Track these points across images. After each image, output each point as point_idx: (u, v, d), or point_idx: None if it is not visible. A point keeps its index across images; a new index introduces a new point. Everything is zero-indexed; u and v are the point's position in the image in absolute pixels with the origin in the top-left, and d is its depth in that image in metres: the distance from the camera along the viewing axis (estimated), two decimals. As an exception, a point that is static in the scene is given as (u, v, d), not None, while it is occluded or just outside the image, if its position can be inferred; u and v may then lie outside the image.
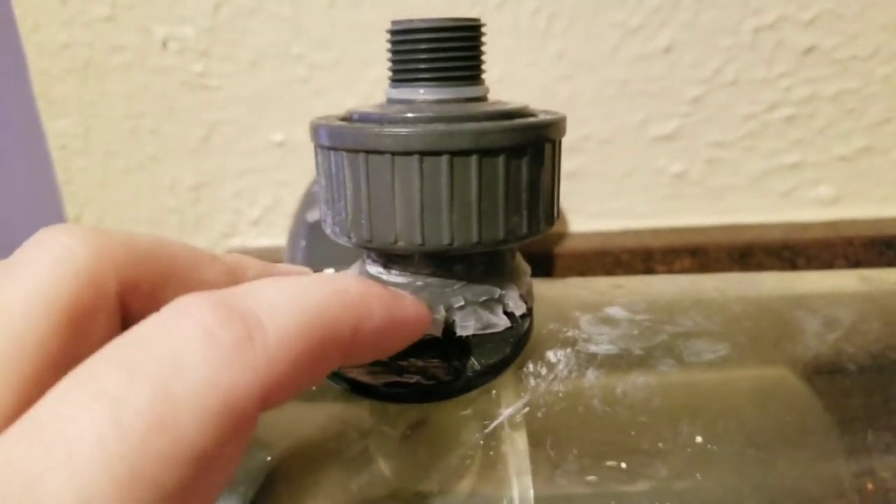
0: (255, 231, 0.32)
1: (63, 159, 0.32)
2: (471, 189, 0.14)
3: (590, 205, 0.30)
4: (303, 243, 0.24)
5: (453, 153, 0.14)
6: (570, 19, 0.28)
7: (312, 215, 0.24)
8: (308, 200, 0.25)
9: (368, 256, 0.17)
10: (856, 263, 0.27)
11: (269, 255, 0.32)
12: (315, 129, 0.16)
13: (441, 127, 0.14)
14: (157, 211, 0.32)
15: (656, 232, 0.29)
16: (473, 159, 0.14)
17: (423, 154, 0.14)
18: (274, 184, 0.31)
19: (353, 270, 0.18)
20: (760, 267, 0.28)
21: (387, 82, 0.16)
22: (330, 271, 0.25)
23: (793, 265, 0.28)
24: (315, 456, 0.15)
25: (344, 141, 0.15)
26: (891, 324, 0.17)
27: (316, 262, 0.24)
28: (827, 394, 0.17)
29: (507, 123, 0.14)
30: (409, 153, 0.14)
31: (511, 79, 0.28)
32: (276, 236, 0.32)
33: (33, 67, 0.31)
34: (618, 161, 0.29)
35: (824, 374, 0.17)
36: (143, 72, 0.30)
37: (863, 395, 0.17)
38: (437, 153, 0.14)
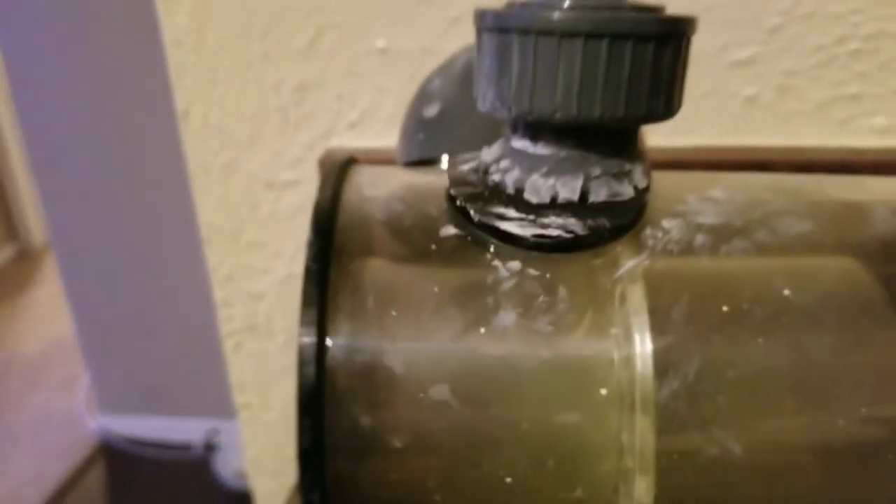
0: (352, 133, 0.35)
1: (176, 55, 0.35)
2: (624, 70, 0.17)
3: (668, 122, 0.33)
4: (420, 136, 0.27)
5: (613, 37, 0.17)
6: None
7: (429, 112, 0.27)
8: (423, 99, 0.28)
9: (515, 133, 0.20)
10: (905, 186, 0.30)
11: (364, 155, 0.35)
12: (482, 14, 0.18)
13: (605, 14, 0.17)
14: (261, 109, 0.35)
15: (727, 149, 0.32)
16: (629, 44, 0.17)
17: (588, 36, 0.17)
18: (373, 89, 0.34)
19: (496, 147, 0.21)
20: (818, 185, 0.31)
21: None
22: (445, 158, 0.28)
23: (848, 186, 0.31)
24: (475, 292, 0.18)
25: (517, 23, 0.17)
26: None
27: (432, 152, 0.27)
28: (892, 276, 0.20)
29: (658, 15, 0.17)
30: (575, 35, 0.17)
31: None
32: (372, 139, 0.35)
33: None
34: (697, 83, 0.31)
35: (892, 256, 0.20)
36: (260, -25, 0.33)
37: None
38: (600, 36, 0.17)
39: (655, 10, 0.18)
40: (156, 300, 1.62)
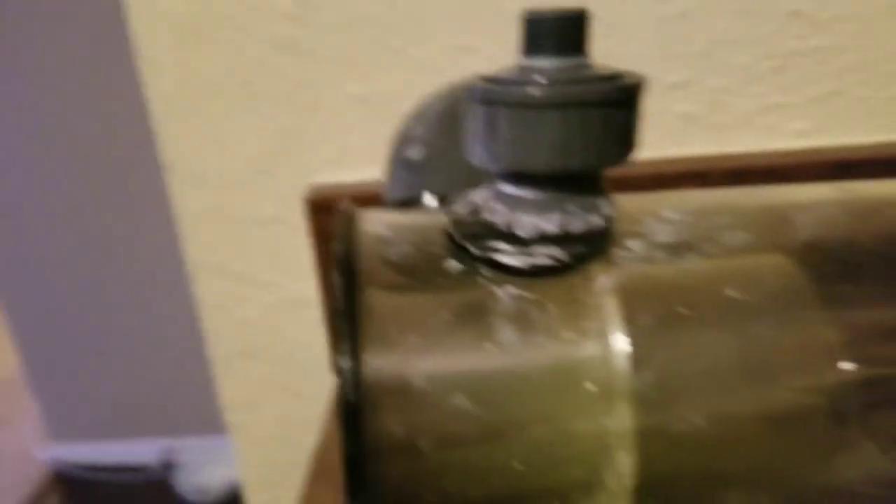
0: (331, 168, 0.39)
1: (161, 111, 0.38)
2: (591, 131, 0.22)
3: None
4: (407, 176, 0.31)
5: (582, 105, 0.22)
6: (603, -13, 0.35)
7: (413, 154, 0.31)
8: (406, 142, 0.32)
9: (502, 180, 0.24)
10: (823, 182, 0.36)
11: (344, 189, 0.39)
12: (472, 90, 0.23)
13: (575, 88, 0.21)
14: (245, 154, 0.39)
15: (670, 161, 0.37)
16: (595, 110, 0.22)
17: (562, 107, 0.22)
18: (349, 129, 0.38)
19: (485, 191, 0.25)
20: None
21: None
22: (429, 197, 0.33)
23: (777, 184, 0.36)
24: (482, 315, 0.23)
25: (503, 98, 0.22)
26: (859, 216, 0.26)
27: (418, 190, 0.31)
28: (815, 269, 0.25)
29: (616, 83, 0.22)
30: (551, 107, 0.22)
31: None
32: (349, 174, 0.39)
33: (138, 31, 0.36)
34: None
35: (814, 252, 0.26)
36: (240, 35, 0.36)
37: (842, 273, 0.26)
38: (571, 106, 0.22)
39: (615, 78, 0.23)
40: (100, 325, 1.61)
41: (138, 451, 1.72)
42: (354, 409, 0.22)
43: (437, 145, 0.32)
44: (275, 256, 0.41)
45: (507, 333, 0.23)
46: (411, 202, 0.31)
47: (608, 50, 0.35)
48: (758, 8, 0.35)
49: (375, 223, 0.26)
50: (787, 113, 0.37)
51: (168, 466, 1.71)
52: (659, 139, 0.37)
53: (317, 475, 0.34)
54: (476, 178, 0.32)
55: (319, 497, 0.33)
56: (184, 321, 1.61)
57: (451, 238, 0.25)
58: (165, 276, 1.54)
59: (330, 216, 0.37)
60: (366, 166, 0.39)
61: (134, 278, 1.51)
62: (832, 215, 0.26)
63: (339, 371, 0.22)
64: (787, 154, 0.37)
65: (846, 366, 0.24)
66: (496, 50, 0.36)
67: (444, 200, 0.31)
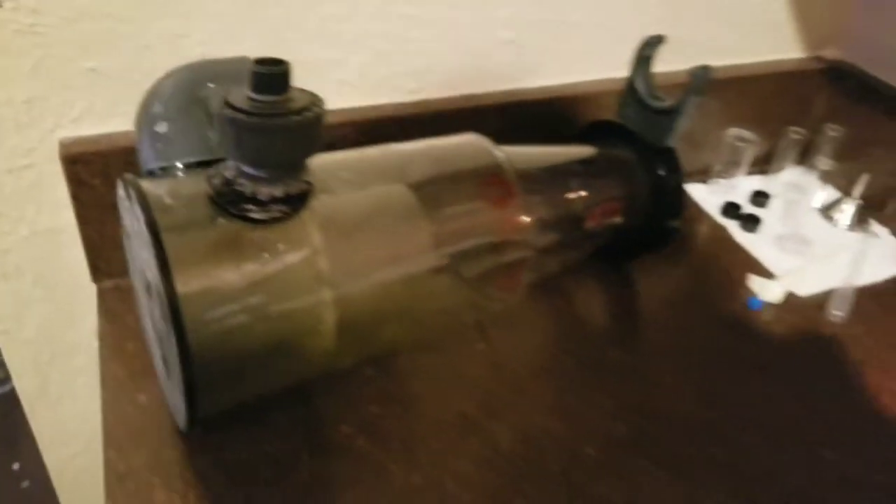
0: (74, 126, 0.48)
1: None
2: (302, 142, 0.38)
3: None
4: (158, 146, 0.44)
5: (295, 129, 0.37)
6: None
7: (160, 128, 0.43)
8: (151, 119, 0.44)
9: (245, 165, 0.39)
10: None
11: (87, 142, 0.49)
12: (224, 115, 0.37)
13: (287, 119, 0.37)
14: (-4, 116, 0.46)
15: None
16: (301, 130, 0.37)
17: (284, 131, 0.37)
18: (88, 94, 0.47)
19: (232, 169, 0.40)
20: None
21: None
22: (180, 164, 0.45)
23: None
24: (245, 250, 0.39)
25: (246, 126, 0.36)
26: (439, 161, 0.47)
27: (168, 156, 0.44)
28: (422, 194, 0.45)
29: (310, 114, 0.38)
30: (276, 131, 0.37)
31: None
32: (89, 129, 0.49)
33: None
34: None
35: (421, 185, 0.46)
36: (-18, 23, 0.43)
37: (436, 195, 0.46)
38: (289, 130, 0.37)
39: (309, 108, 0.38)
40: None
41: None
42: (178, 319, 0.37)
43: (178, 120, 0.44)
44: (26, 197, 0.50)
45: (262, 257, 0.39)
46: (166, 169, 0.44)
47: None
48: None
49: (158, 194, 0.39)
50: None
51: None
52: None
53: (106, 357, 0.47)
54: (208, 145, 0.46)
55: (115, 373, 0.46)
56: None
57: (216, 203, 0.39)
58: None
59: (79, 164, 0.48)
60: (103, 122, 0.49)
61: None
62: (426, 163, 0.47)
63: (168, 297, 0.36)
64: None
65: (439, 250, 0.46)
66: (204, 37, 0.48)
67: (189, 168, 0.44)
